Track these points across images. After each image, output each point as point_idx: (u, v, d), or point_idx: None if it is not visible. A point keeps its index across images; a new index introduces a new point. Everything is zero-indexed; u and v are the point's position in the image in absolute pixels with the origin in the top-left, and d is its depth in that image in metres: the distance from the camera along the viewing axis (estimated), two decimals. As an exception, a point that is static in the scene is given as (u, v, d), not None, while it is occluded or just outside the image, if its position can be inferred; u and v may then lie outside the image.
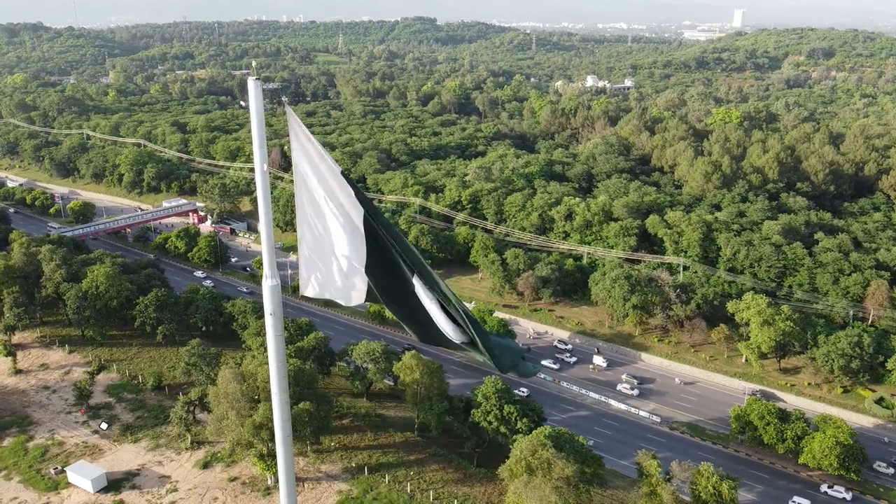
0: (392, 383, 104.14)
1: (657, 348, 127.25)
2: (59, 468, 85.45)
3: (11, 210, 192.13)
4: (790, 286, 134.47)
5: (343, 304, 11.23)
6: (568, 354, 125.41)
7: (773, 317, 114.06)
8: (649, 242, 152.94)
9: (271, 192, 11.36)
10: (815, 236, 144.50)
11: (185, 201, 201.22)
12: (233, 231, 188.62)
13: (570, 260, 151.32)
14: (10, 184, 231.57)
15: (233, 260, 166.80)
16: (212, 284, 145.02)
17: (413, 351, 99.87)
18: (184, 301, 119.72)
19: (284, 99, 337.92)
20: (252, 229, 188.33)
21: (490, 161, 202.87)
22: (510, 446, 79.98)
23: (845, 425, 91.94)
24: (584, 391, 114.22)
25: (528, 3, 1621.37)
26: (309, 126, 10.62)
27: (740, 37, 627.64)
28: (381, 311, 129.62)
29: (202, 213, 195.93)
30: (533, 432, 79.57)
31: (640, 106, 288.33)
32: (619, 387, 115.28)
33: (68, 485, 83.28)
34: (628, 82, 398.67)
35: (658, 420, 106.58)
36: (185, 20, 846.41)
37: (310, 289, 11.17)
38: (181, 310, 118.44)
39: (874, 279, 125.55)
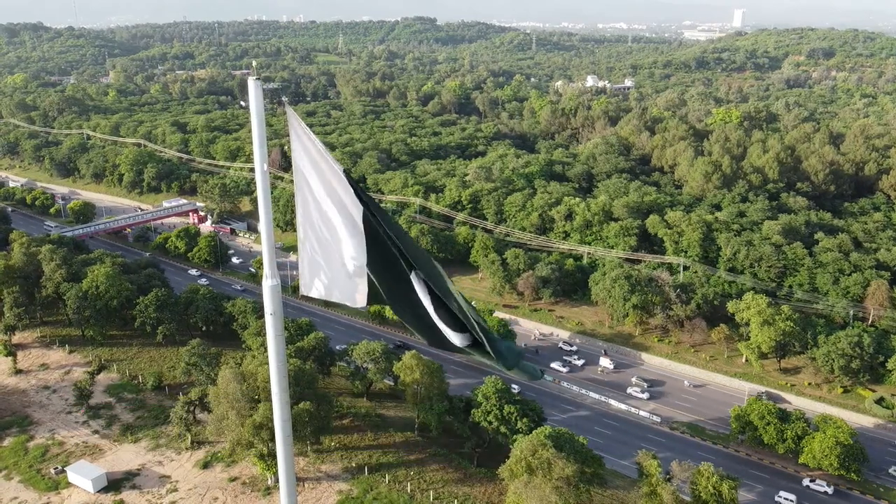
0: (392, 383, 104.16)
1: (657, 348, 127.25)
2: (60, 468, 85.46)
3: (9, 209, 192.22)
4: (790, 286, 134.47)
5: (349, 305, 11.21)
6: (576, 357, 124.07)
7: (774, 317, 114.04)
8: (649, 242, 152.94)
9: (271, 192, 11.34)
10: (816, 236, 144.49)
11: (185, 201, 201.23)
12: (233, 231, 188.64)
13: (571, 260, 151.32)
14: (11, 184, 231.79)
15: (235, 260, 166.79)
16: (207, 283, 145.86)
17: (413, 351, 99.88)
18: (184, 301, 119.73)
19: (285, 99, 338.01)
20: (252, 229, 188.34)
21: (490, 161, 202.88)
22: (510, 446, 79.99)
23: (845, 425, 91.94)
24: (584, 391, 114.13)
25: (528, 3, 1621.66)
26: (309, 126, 10.59)
27: (740, 37, 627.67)
28: (381, 310, 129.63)
29: (202, 213, 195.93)
30: (533, 432, 79.57)
31: (640, 106, 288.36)
32: (629, 390, 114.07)
33: (68, 485, 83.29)
34: (628, 82, 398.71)
35: (658, 420, 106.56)
36: (185, 20, 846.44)
37: (314, 290, 11.15)
38: (181, 310, 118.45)
39: (874, 279, 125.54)
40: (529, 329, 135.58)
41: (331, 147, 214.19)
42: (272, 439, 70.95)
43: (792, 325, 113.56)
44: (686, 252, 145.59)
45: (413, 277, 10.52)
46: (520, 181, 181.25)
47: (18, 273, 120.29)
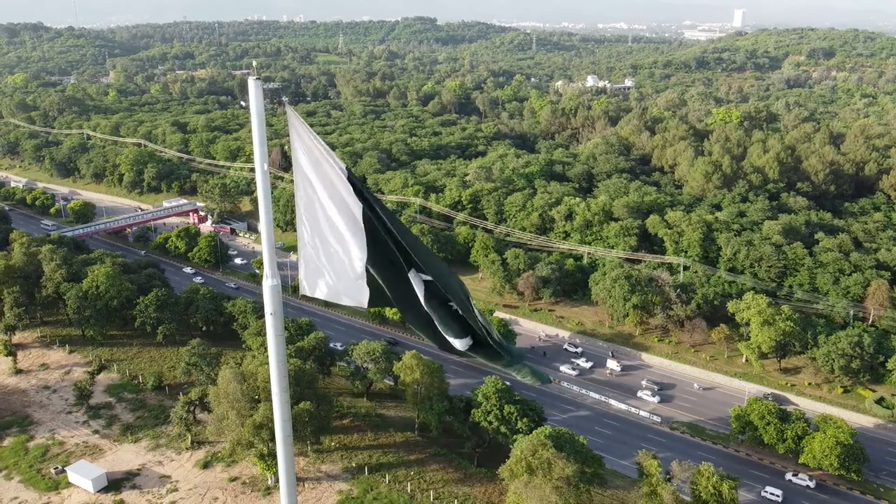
0: (392, 383, 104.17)
1: (657, 348, 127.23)
2: (60, 468, 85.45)
3: (6, 208, 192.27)
4: (790, 286, 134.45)
5: (351, 305, 11.21)
6: (583, 359, 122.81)
7: (774, 317, 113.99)
8: (649, 242, 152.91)
9: (271, 192, 11.34)
10: (816, 236, 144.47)
11: (185, 201, 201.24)
12: (233, 231, 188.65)
13: (571, 260, 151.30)
14: (12, 184, 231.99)
15: (238, 261, 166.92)
16: (202, 281, 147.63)
17: (413, 351, 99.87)
18: (184, 301, 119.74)
19: (285, 98, 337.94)
20: (252, 229, 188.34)
21: (490, 161, 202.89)
22: (510, 446, 79.99)
23: (845, 425, 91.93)
24: (584, 391, 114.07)
25: (529, 3, 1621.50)
26: (309, 126, 10.61)
27: (740, 37, 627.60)
28: (381, 310, 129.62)
29: (202, 213, 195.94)
30: (533, 432, 79.56)
31: (640, 106, 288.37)
32: (639, 393, 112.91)
33: (69, 485, 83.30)
34: (628, 82, 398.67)
35: (658, 420, 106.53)
36: (185, 20, 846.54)
37: (315, 290, 11.14)
38: (181, 310, 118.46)
39: (874, 279, 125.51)
40: (534, 330, 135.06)
41: (331, 147, 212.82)
42: (272, 439, 70.96)
43: (792, 325, 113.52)
44: (686, 252, 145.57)
45: (411, 277, 10.50)
46: (520, 181, 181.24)
47: (19, 273, 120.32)
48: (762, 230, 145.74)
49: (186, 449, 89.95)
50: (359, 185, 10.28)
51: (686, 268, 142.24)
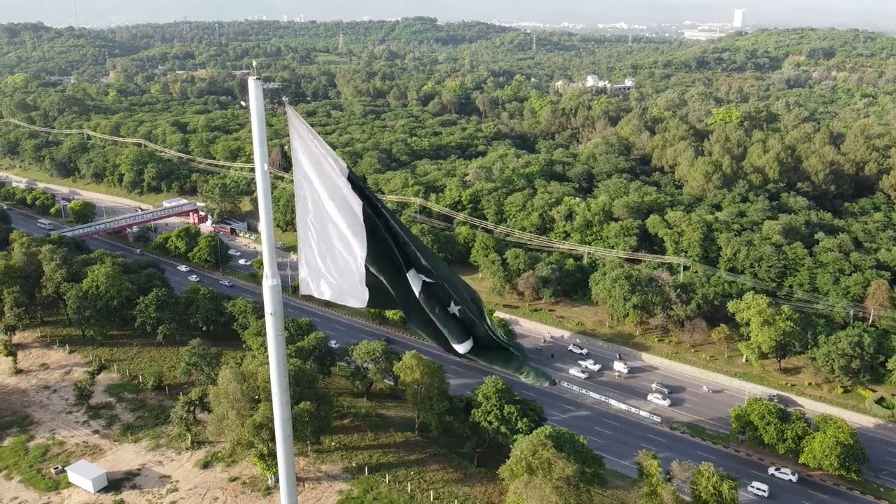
0: (392, 383, 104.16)
1: (657, 348, 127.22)
2: (60, 468, 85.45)
3: (3, 207, 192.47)
4: (790, 286, 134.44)
5: (350, 305, 11.19)
6: (591, 362, 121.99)
7: (774, 317, 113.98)
8: (650, 242, 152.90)
9: (271, 192, 11.32)
10: (816, 236, 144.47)
11: (185, 201, 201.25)
12: (233, 231, 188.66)
13: (571, 260, 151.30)
14: (14, 184, 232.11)
15: (242, 262, 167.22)
16: (197, 279, 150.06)
17: (413, 351, 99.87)
18: (184, 301, 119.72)
19: (285, 98, 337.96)
20: (252, 229, 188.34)
21: (490, 161, 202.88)
22: (510, 446, 79.98)
23: (846, 425, 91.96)
24: (584, 391, 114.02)
25: (529, 3, 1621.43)
26: (309, 125, 10.61)
27: (741, 37, 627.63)
28: (381, 311, 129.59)
29: (202, 213, 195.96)
30: (533, 432, 79.55)
31: (640, 106, 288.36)
32: (650, 397, 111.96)
33: (69, 484, 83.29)
34: (629, 82, 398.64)
35: (658, 420, 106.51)
36: (185, 20, 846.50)
37: (315, 290, 11.13)
38: (181, 310, 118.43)
39: (874, 279, 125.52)
40: (538, 331, 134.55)
41: (331, 147, 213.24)
42: (272, 439, 70.96)
43: (792, 325, 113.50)
44: (686, 252, 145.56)
45: (410, 277, 10.48)
46: (520, 181, 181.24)
47: (19, 273, 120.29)
48: (762, 230, 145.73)
49: (186, 449, 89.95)
50: (359, 183, 10.28)
51: (686, 268, 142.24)
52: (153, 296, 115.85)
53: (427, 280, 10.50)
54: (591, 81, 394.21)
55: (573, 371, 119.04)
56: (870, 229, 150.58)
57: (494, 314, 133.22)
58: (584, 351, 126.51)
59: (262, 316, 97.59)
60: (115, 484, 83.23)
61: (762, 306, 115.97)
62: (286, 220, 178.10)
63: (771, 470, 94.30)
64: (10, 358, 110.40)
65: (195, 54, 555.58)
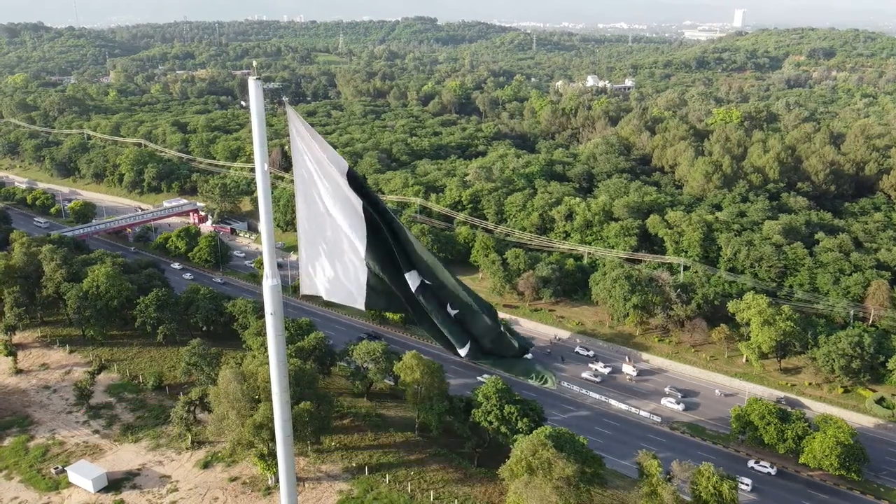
0: (392, 383, 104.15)
1: (658, 348, 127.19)
2: (60, 468, 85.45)
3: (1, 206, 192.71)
4: (791, 286, 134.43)
5: (350, 305, 11.18)
6: (601, 365, 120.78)
7: (774, 317, 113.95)
8: (650, 242, 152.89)
9: (272, 192, 11.32)
10: (816, 236, 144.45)
11: (185, 201, 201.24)
12: (233, 231, 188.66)
13: (571, 260, 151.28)
14: (16, 184, 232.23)
15: (247, 262, 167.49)
16: (191, 277, 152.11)
17: (413, 351, 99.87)
18: (184, 301, 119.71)
19: (285, 98, 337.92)
20: (253, 229, 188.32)
21: (490, 161, 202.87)
22: (511, 446, 79.96)
23: (846, 425, 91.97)
24: (584, 391, 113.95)
25: (529, 3, 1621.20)
26: (309, 125, 10.60)
27: (741, 37, 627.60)
28: (381, 311, 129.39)
29: (203, 213, 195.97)
30: (533, 432, 79.54)
31: (640, 106, 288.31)
32: (663, 401, 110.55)
33: (69, 484, 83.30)
34: (629, 82, 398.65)
35: (658, 420, 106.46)
36: (185, 20, 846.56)
37: (315, 289, 11.12)
38: (182, 310, 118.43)
39: (875, 279, 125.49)
40: (540, 331, 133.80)
41: (331, 147, 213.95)
42: (272, 439, 70.96)
43: (792, 325, 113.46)
44: (686, 252, 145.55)
45: (409, 278, 10.46)
46: (520, 181, 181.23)
47: (19, 273, 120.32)
48: (762, 230, 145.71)
49: (187, 449, 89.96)
50: (360, 182, 10.28)
51: (686, 268, 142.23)
52: (153, 296, 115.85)
53: (426, 282, 10.49)
54: (591, 81, 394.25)
55: (585, 375, 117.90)
56: (870, 229, 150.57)
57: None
58: (591, 353, 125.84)
59: (262, 316, 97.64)
60: (115, 484, 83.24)
61: (762, 306, 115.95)
62: (286, 220, 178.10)
63: (750, 463, 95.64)
64: (11, 358, 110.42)
65: (195, 54, 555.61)
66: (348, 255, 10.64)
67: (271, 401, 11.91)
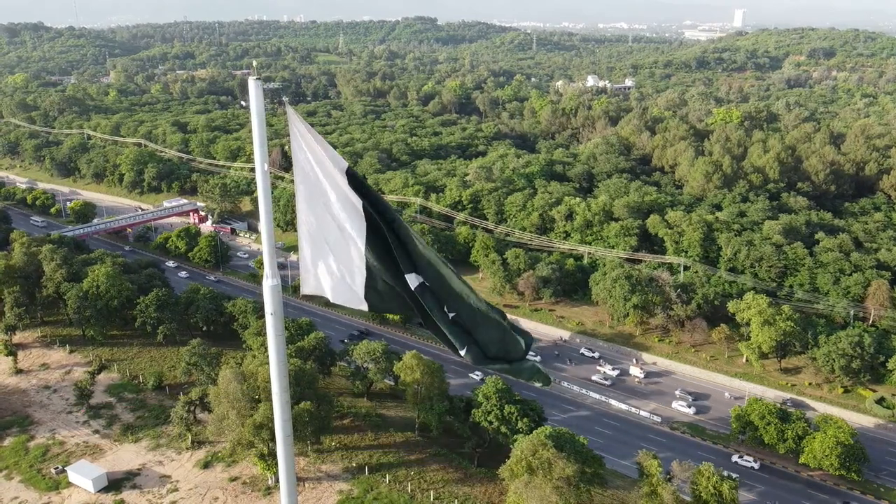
0: (392, 383, 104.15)
1: (658, 348, 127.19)
2: (60, 468, 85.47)
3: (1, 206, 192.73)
4: (791, 286, 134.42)
5: (350, 306, 11.16)
6: (611, 368, 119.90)
7: (774, 317, 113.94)
8: (650, 242, 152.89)
9: (272, 192, 11.30)
10: (816, 236, 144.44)
11: (185, 201, 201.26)
12: (233, 231, 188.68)
13: (571, 260, 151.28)
14: (18, 184, 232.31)
15: (251, 263, 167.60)
16: (186, 275, 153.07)
17: (414, 351, 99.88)
18: (184, 301, 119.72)
19: (285, 98, 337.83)
20: (253, 229, 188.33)
21: (490, 161, 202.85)
22: (511, 446, 79.99)
23: (846, 425, 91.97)
24: (584, 391, 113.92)
25: (529, 3, 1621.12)
26: (309, 125, 10.58)
27: (741, 37, 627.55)
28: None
29: (203, 213, 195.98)
30: (533, 432, 79.56)
31: (640, 106, 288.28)
32: (674, 404, 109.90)
33: (69, 484, 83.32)
34: (629, 82, 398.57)
35: (658, 420, 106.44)
36: (185, 20, 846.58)
37: (319, 290, 11.09)
38: (182, 310, 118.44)
39: (875, 279, 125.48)
40: (541, 331, 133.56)
41: (331, 147, 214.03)
42: (272, 439, 70.95)
43: (792, 325, 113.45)
44: (686, 252, 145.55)
45: (410, 279, 10.42)
46: (520, 181, 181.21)
47: (19, 273, 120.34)
48: (762, 230, 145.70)
49: (187, 449, 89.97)
50: (360, 181, 10.26)
51: (686, 268, 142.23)
52: (153, 296, 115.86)
53: (426, 282, 10.45)
54: (591, 81, 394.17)
55: (595, 378, 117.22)
56: (870, 229, 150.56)
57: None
58: (596, 354, 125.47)
59: (263, 316, 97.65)
60: (115, 484, 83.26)
61: (762, 306, 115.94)
62: (286, 220, 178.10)
63: (734, 457, 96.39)
64: (11, 358, 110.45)
65: (195, 54, 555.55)
66: (349, 256, 10.62)
67: (271, 401, 11.91)
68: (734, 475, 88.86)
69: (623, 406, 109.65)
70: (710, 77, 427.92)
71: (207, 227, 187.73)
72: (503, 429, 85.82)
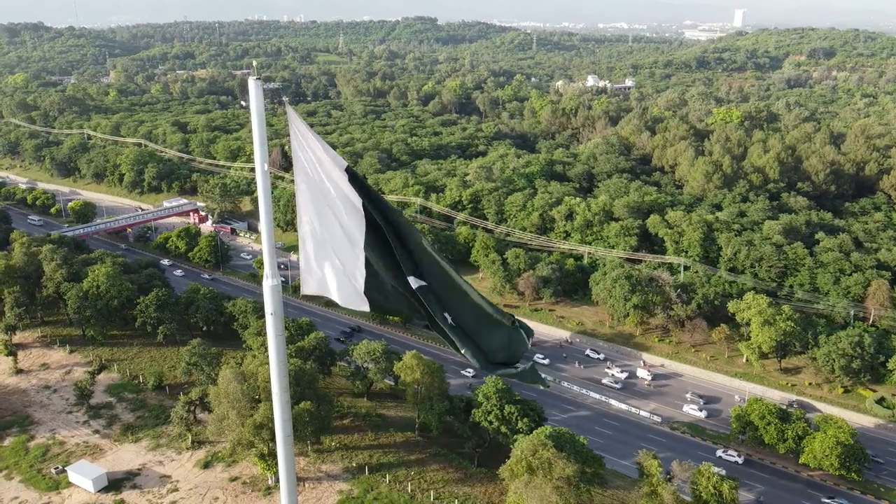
0: (392, 383, 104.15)
1: (658, 348, 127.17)
2: (60, 468, 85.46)
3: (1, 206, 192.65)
4: (791, 286, 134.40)
5: (351, 307, 11.15)
6: (619, 370, 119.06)
7: (774, 317, 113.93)
8: (650, 242, 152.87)
9: (272, 192, 11.31)
10: (816, 236, 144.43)
11: (185, 201, 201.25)
12: (233, 231, 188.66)
13: (571, 260, 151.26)
14: (18, 184, 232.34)
15: (252, 264, 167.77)
16: (182, 274, 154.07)
17: (414, 351, 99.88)
18: (184, 301, 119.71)
19: (285, 98, 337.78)
20: (253, 229, 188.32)
21: (491, 161, 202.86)
22: (511, 446, 79.99)
23: (846, 425, 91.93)
24: (584, 391, 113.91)
25: (529, 3, 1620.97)
26: (309, 125, 10.56)
27: (741, 36, 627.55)
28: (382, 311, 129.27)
29: (203, 213, 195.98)
30: (534, 432, 79.55)
31: (640, 106, 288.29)
32: (685, 407, 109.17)
33: (69, 484, 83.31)
34: (629, 82, 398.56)
35: (658, 420, 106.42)
36: (185, 20, 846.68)
37: (320, 289, 11.07)
38: (182, 309, 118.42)
39: (875, 279, 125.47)
40: (554, 335, 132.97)
41: (331, 147, 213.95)
42: (272, 439, 70.95)
43: (792, 325, 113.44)
44: (687, 252, 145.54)
45: (412, 282, 10.40)
46: (520, 181, 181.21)
47: (19, 273, 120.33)
48: (762, 230, 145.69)
49: (187, 449, 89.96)
50: (360, 180, 10.26)
51: (686, 268, 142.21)
52: (153, 296, 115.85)
53: (426, 283, 10.43)
54: (591, 81, 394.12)
55: (605, 381, 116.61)
56: (870, 229, 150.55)
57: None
58: (601, 356, 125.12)
59: (263, 316, 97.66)
60: (115, 484, 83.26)
61: (762, 306, 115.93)
62: (286, 220, 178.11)
63: (719, 452, 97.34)
64: (11, 358, 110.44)
65: (195, 54, 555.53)
66: (350, 255, 10.61)
67: (271, 401, 11.91)
68: (719, 471, 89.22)
69: (623, 406, 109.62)
70: (710, 77, 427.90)
71: (207, 227, 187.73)
72: (503, 429, 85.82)
